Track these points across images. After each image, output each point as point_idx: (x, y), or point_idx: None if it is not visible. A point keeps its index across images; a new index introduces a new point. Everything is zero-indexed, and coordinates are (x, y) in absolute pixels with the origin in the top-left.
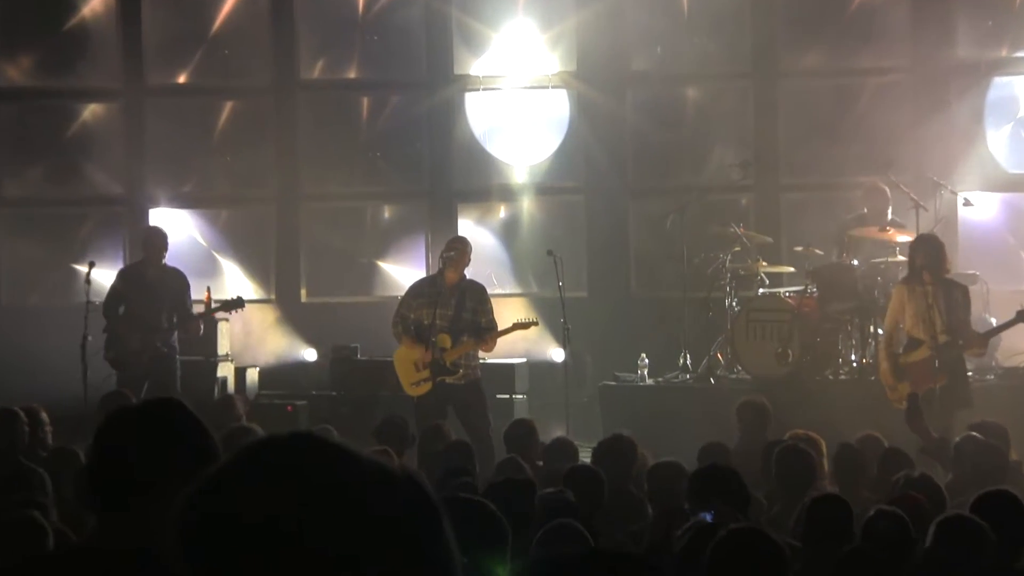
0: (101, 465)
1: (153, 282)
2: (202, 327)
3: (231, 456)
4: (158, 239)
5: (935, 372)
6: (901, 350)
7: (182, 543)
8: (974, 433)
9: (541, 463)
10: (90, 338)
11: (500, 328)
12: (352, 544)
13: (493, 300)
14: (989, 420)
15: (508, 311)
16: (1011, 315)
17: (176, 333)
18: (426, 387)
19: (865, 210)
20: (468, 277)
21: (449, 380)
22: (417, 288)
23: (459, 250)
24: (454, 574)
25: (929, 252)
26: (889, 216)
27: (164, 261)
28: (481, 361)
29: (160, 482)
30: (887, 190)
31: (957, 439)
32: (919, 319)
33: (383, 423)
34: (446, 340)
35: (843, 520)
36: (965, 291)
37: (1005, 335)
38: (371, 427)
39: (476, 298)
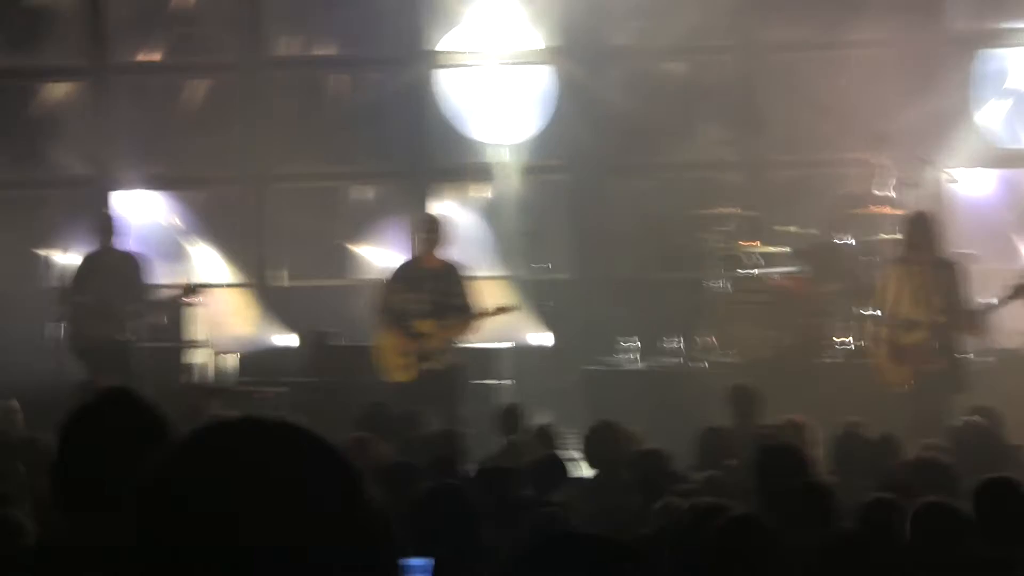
0: (61, 477)
1: (113, 268)
2: (164, 315)
3: (180, 439)
4: (109, 224)
5: (932, 354)
6: (896, 332)
7: (130, 525)
8: (973, 417)
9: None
10: (58, 324)
11: (481, 311)
12: (276, 530)
13: (474, 283)
14: (982, 405)
15: (489, 294)
16: (1008, 292)
17: (139, 320)
18: (407, 374)
19: (856, 187)
20: (448, 258)
21: (437, 365)
22: (396, 272)
23: (434, 230)
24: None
25: (922, 230)
26: (878, 192)
27: (120, 246)
28: (463, 346)
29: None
30: (876, 165)
31: (957, 424)
32: (914, 299)
33: (365, 411)
34: (425, 325)
35: (821, 507)
36: (961, 269)
37: (1006, 316)
38: (350, 414)
39: (455, 279)
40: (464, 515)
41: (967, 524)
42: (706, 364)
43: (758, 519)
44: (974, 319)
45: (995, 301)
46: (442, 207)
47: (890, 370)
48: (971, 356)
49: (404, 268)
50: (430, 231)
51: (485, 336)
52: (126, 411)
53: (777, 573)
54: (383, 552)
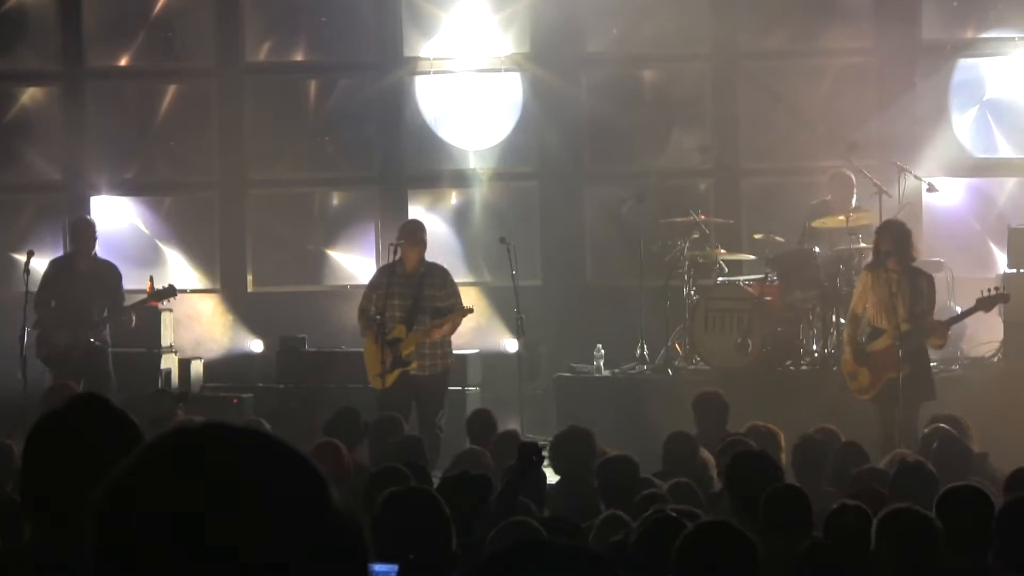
0: (30, 485)
1: (85, 274)
2: (134, 319)
3: (140, 448)
4: (88, 230)
5: (897, 362)
6: (864, 338)
7: (92, 536)
8: (942, 425)
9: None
10: (28, 329)
11: (460, 314)
12: (241, 537)
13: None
14: (946, 413)
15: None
16: (972, 305)
17: (109, 326)
18: (385, 379)
19: (829, 197)
20: (430, 261)
21: (412, 371)
22: (376, 279)
23: (411, 234)
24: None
25: (895, 238)
26: (854, 203)
27: (92, 252)
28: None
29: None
30: (852, 177)
31: (925, 430)
32: (882, 307)
33: (335, 416)
34: (401, 330)
35: (801, 512)
36: (930, 280)
37: (971, 324)
38: (319, 420)
39: (436, 283)
40: (432, 521)
41: (934, 531)
42: (671, 372)
43: (731, 525)
44: (938, 328)
45: (959, 310)
46: (415, 213)
47: (857, 377)
48: (937, 364)
49: (384, 274)
50: (403, 236)
51: (455, 343)
52: (95, 418)
53: None
54: (352, 559)
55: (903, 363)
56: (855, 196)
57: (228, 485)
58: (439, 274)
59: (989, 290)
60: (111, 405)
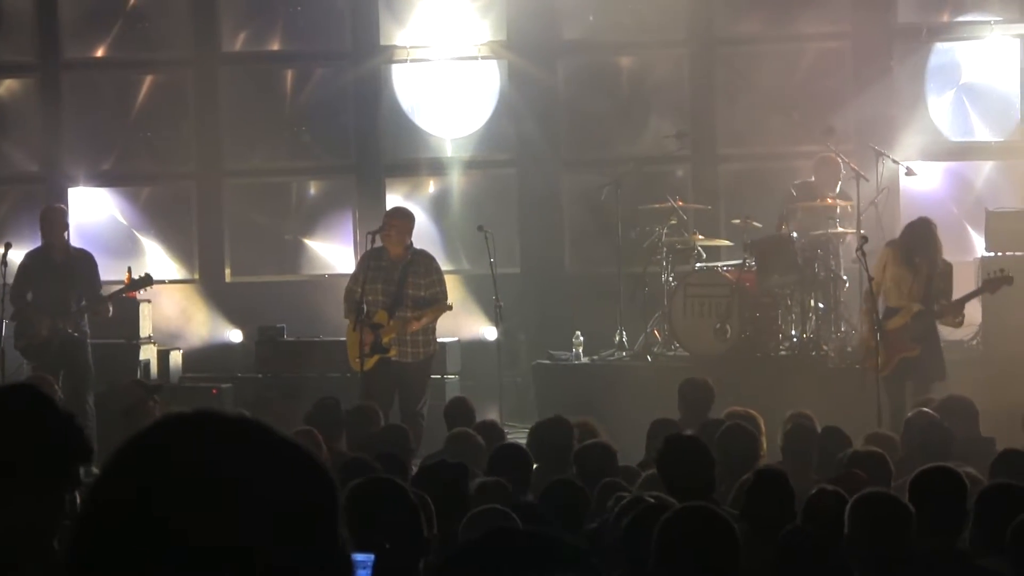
0: None
1: (60, 265)
2: (111, 309)
3: (133, 435)
4: (58, 218)
5: (909, 342)
6: (879, 316)
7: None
8: (924, 409)
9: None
10: (6, 322)
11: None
12: (227, 527)
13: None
14: (959, 394)
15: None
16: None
17: (87, 316)
18: (365, 364)
19: (813, 179)
20: (415, 248)
21: (392, 358)
22: (362, 263)
23: (388, 224)
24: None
25: (923, 238)
26: (838, 189)
27: (69, 241)
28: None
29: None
30: (839, 162)
31: (909, 414)
32: (898, 287)
33: (315, 406)
34: (383, 316)
35: (784, 495)
36: (950, 267)
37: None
38: (299, 409)
39: (420, 271)
40: (397, 510)
41: (906, 515)
42: (650, 358)
43: (710, 508)
44: (952, 308)
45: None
46: (393, 202)
47: (871, 353)
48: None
49: (370, 258)
50: (385, 225)
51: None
52: (25, 401)
53: (729, 564)
54: (340, 552)
55: (916, 343)
56: (840, 182)
57: (219, 474)
58: (424, 263)
59: (996, 271)
60: (44, 392)
